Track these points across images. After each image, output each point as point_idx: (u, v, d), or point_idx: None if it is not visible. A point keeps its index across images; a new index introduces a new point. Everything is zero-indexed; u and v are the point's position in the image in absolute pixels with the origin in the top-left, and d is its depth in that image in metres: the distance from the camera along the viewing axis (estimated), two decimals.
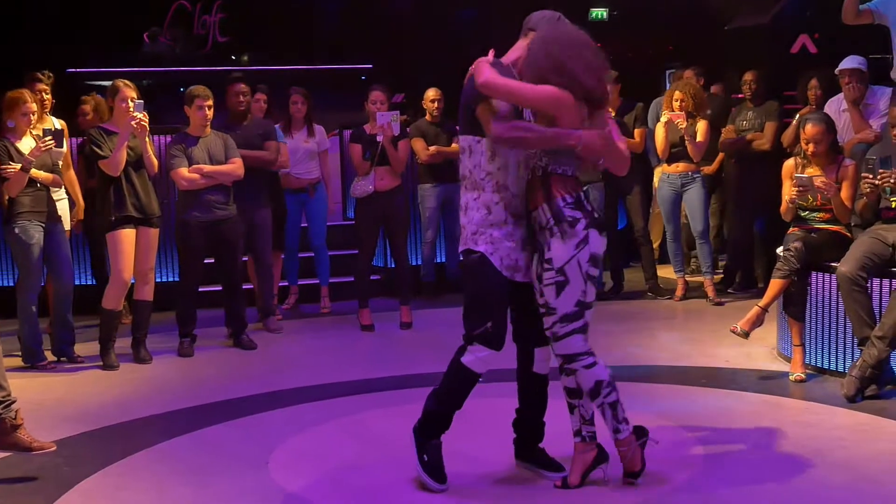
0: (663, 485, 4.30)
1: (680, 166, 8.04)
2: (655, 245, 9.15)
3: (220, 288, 7.13)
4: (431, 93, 8.51)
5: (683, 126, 7.78)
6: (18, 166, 6.34)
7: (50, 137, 6.40)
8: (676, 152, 8.01)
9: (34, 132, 6.55)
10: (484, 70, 4.00)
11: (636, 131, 8.46)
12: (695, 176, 8.05)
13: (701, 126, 7.93)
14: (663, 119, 7.96)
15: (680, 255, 8.34)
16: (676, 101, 7.90)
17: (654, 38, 14.46)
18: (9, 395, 4.58)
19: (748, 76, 8.34)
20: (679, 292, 8.28)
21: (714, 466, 4.51)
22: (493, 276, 4.17)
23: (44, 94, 6.99)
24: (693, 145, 7.88)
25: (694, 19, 13.04)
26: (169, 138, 7.29)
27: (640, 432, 4.25)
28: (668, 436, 4.92)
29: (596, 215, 4.16)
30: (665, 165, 8.12)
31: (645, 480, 4.29)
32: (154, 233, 6.64)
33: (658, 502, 4.15)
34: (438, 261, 8.96)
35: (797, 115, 7.82)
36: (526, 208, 4.19)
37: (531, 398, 4.42)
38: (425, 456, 4.24)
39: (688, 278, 8.46)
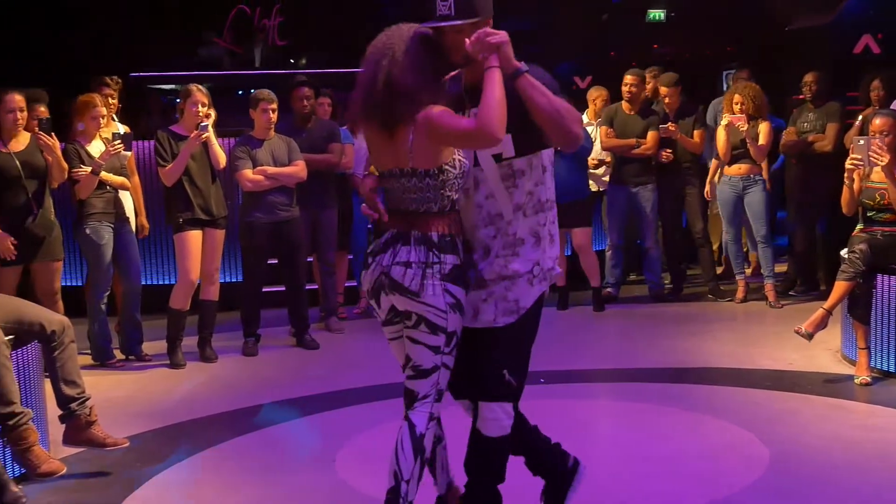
0: (730, 487, 4.30)
1: (741, 168, 8.00)
2: (715, 247, 9.11)
3: (284, 288, 7.23)
4: None
5: (745, 129, 7.75)
6: (89, 169, 6.49)
7: (119, 141, 6.54)
8: (737, 154, 7.97)
9: (103, 136, 6.70)
10: None
11: (695, 132, 8.44)
12: (756, 178, 8.00)
13: (763, 128, 7.89)
14: (724, 122, 7.92)
15: (740, 258, 8.30)
16: (736, 104, 7.86)
17: (713, 38, 14.38)
18: (83, 392, 4.71)
19: (809, 77, 8.27)
20: (740, 294, 8.23)
21: (779, 469, 4.50)
22: None
23: (111, 98, 7.15)
24: (755, 147, 7.84)
25: (753, 20, 12.96)
26: (230, 141, 7.42)
27: None
28: (731, 438, 4.94)
29: (369, 249, 3.60)
30: (726, 167, 8.08)
31: (710, 482, 4.31)
32: (220, 234, 6.77)
33: (724, 503, 4.17)
34: None
35: (859, 116, 7.75)
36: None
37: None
38: None
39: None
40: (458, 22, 3.36)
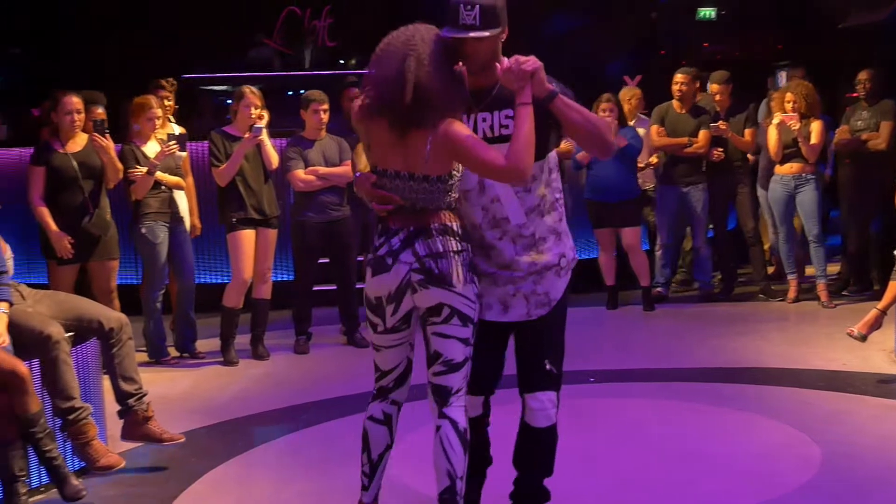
0: (783, 486, 4.28)
1: (793, 167, 7.93)
2: (766, 246, 9.04)
3: (335, 287, 7.30)
4: None
5: (797, 127, 7.69)
6: (144, 170, 6.60)
7: (174, 142, 6.64)
8: (789, 153, 7.91)
9: (158, 137, 6.81)
10: None
11: (746, 131, 8.38)
12: (808, 177, 7.93)
13: (815, 127, 7.82)
14: (775, 121, 7.86)
15: (792, 257, 8.23)
16: (788, 102, 7.80)
17: (764, 36, 14.25)
18: (140, 388, 4.80)
19: (863, 75, 8.19)
20: (791, 294, 8.16)
21: (832, 469, 4.47)
22: None
23: (166, 100, 7.26)
24: (807, 146, 7.77)
25: (805, 17, 12.83)
26: (281, 141, 7.50)
27: None
28: (784, 438, 4.92)
29: (374, 254, 3.56)
30: (778, 167, 8.02)
31: (765, 481, 4.30)
32: (272, 233, 6.85)
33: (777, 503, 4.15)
34: None
35: None
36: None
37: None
38: None
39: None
40: (485, 33, 3.37)
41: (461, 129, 3.39)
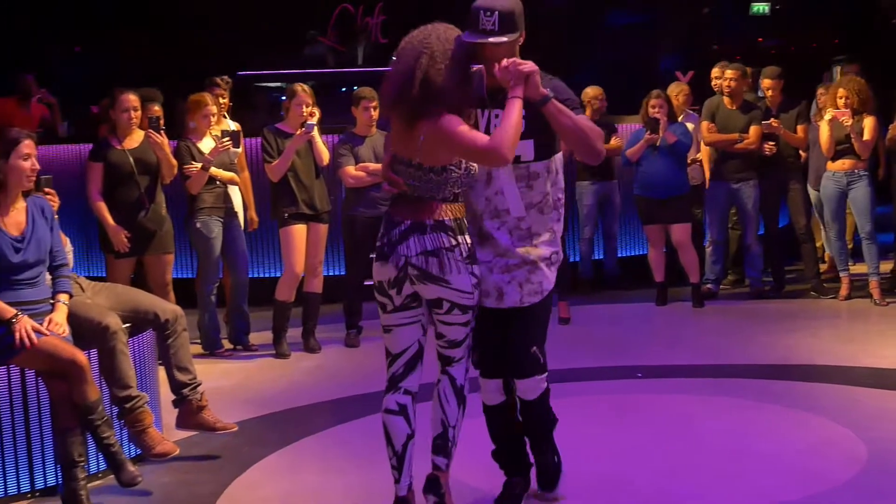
0: (828, 483, 4.29)
1: (846, 164, 7.87)
2: (819, 243, 8.98)
3: None
4: (591, 91, 8.58)
5: (849, 123, 7.63)
6: (199, 165, 6.73)
7: (228, 138, 6.76)
8: (841, 149, 7.85)
9: (213, 133, 6.94)
10: None
11: (799, 128, 8.33)
12: (861, 174, 7.87)
13: (868, 123, 7.76)
14: (827, 117, 7.81)
15: (844, 254, 8.17)
16: (841, 97, 7.74)
17: (819, 31, 14.11)
18: (195, 378, 4.93)
19: None
20: (843, 292, 8.10)
21: (878, 466, 4.47)
22: None
23: (221, 98, 7.39)
24: (860, 143, 7.71)
25: (861, 12, 12.69)
26: (332, 137, 7.60)
27: None
28: (831, 434, 4.92)
29: (379, 242, 3.81)
30: (830, 163, 7.97)
31: (808, 477, 4.31)
32: (323, 228, 6.95)
33: (822, 499, 4.15)
34: (596, 257, 9.02)
35: None
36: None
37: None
38: None
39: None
40: (503, 38, 3.63)
41: (454, 121, 3.63)
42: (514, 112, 3.60)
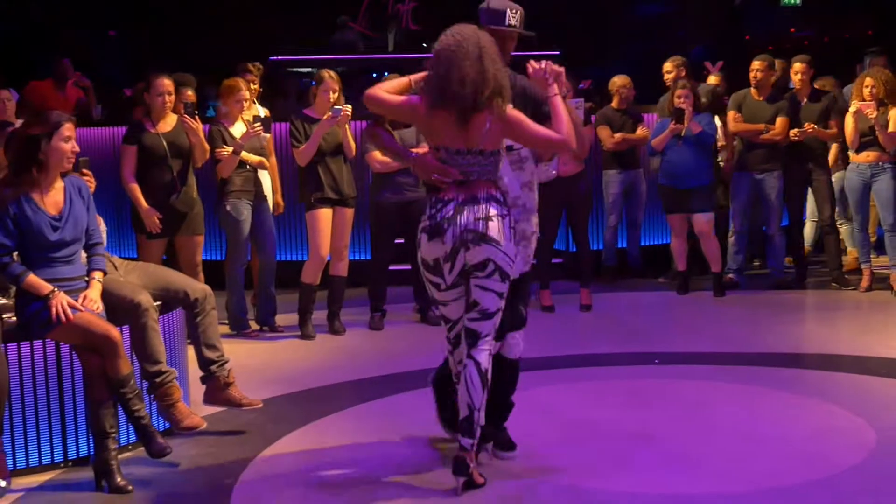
0: (833, 467, 4.40)
1: (870, 156, 7.90)
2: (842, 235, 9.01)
3: (409, 266, 7.49)
4: (619, 80, 8.66)
5: (874, 115, 7.67)
6: (230, 150, 6.88)
7: (259, 124, 6.89)
8: (866, 141, 7.88)
9: (244, 118, 7.09)
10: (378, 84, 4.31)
11: (831, 122, 8.30)
12: (885, 166, 7.89)
13: (893, 114, 7.78)
14: (852, 108, 7.84)
15: (867, 246, 8.20)
16: (867, 87, 7.77)
17: (852, 22, 14.06)
18: (222, 355, 5.09)
19: None
20: (865, 283, 8.14)
21: (885, 452, 4.56)
22: None
23: (253, 83, 7.53)
24: (884, 134, 7.74)
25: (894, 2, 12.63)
26: (363, 123, 7.72)
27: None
28: (840, 421, 5.01)
29: (430, 221, 4.17)
30: (854, 155, 8.00)
31: (814, 461, 4.42)
32: (349, 213, 7.08)
33: (826, 483, 4.25)
34: (620, 246, 9.10)
35: None
36: None
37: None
38: None
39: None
40: (529, 33, 4.36)
41: (518, 113, 4.15)
42: (562, 107, 4.16)
